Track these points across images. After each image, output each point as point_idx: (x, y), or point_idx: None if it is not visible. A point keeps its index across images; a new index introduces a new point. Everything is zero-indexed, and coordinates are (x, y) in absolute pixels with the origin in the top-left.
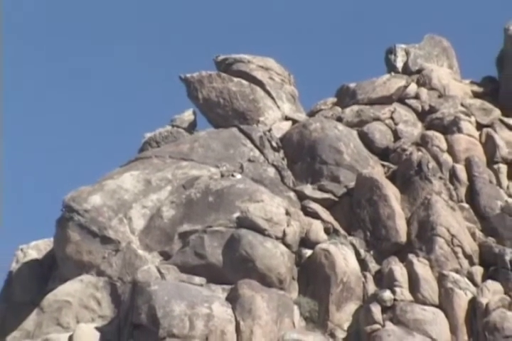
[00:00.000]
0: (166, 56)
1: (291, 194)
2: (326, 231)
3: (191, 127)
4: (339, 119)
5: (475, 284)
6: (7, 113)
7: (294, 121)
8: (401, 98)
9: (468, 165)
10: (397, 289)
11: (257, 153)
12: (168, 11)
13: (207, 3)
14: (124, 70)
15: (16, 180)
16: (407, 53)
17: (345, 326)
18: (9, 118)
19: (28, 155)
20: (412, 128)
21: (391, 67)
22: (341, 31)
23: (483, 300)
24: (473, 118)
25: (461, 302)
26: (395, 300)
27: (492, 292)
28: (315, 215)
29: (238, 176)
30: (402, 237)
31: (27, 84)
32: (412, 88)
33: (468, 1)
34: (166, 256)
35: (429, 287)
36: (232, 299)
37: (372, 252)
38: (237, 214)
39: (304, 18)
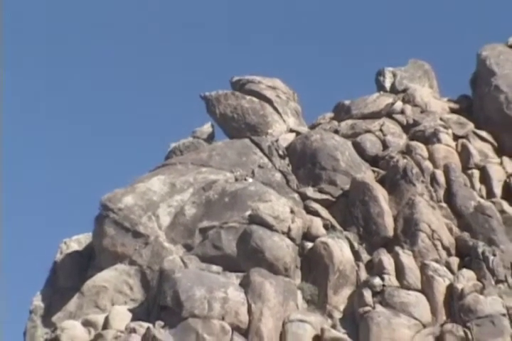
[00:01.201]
0: (188, 78)
1: (295, 195)
2: (325, 227)
3: (210, 138)
4: (336, 131)
5: (452, 272)
6: (56, 124)
7: (298, 133)
8: (389, 113)
9: (446, 170)
10: (386, 276)
11: (266, 160)
12: (194, 42)
13: (222, 34)
14: (154, 90)
15: (60, 184)
16: (394, 75)
17: (342, 308)
18: (59, 131)
19: (71, 164)
20: (398, 139)
21: (380, 87)
22: (338, 57)
23: (459, 286)
24: (450, 131)
25: (440, 287)
26: (383, 285)
27: (466, 279)
28: (315, 213)
29: (250, 180)
30: (390, 232)
31: (76, 99)
32: (398, 105)
33: (446, 31)
34: (188, 248)
35: (413, 274)
36: (245, 285)
37: (364, 245)
38: (249, 212)
39: (307, 46)
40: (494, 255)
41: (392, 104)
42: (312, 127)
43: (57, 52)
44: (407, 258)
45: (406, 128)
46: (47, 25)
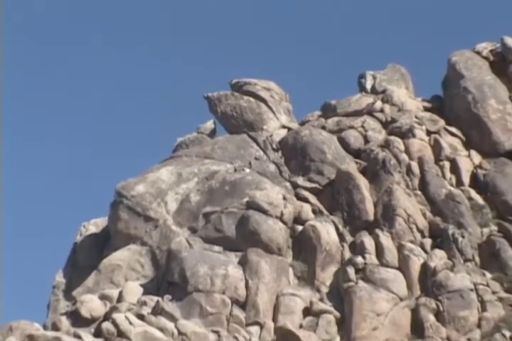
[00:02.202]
0: (192, 80)
1: (287, 184)
2: (313, 212)
3: (212, 133)
4: (323, 127)
5: (426, 252)
6: (79, 122)
7: (289, 129)
8: (370, 111)
9: (421, 162)
10: (367, 255)
11: (261, 153)
12: (195, 46)
13: (224, 43)
14: (162, 91)
15: (80, 175)
16: (374, 78)
17: (328, 283)
18: (85, 131)
19: (91, 157)
20: (378, 134)
21: (362, 88)
22: (325, 62)
23: (432, 264)
24: (424, 127)
25: (415, 265)
26: (365, 264)
27: (438, 258)
28: (305, 200)
29: (247, 170)
30: (371, 216)
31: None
32: (378, 104)
33: (420, 39)
34: (193, 230)
35: (391, 254)
36: (243, 263)
37: (348, 228)
38: (246, 199)
39: (299, 52)
40: (463, 237)
41: (373, 103)
42: (302, 124)
43: (68, 53)
44: (385, 239)
45: (385, 124)
46: (47, 25)
